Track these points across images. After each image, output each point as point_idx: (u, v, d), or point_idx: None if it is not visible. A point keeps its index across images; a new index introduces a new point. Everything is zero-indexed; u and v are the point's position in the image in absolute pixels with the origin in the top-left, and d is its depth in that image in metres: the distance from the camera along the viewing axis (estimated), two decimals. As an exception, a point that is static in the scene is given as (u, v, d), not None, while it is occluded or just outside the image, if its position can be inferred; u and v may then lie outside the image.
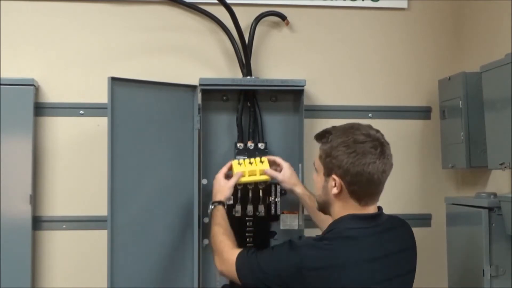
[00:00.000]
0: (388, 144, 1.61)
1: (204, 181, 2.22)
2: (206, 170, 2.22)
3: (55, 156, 2.26)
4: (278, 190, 2.19)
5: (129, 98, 2.02)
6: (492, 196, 1.94)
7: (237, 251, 1.71)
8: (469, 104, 2.10)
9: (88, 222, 2.25)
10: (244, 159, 2.10)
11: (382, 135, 1.61)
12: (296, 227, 2.23)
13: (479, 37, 2.26)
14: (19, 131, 2.17)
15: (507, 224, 1.85)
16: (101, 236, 2.08)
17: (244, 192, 2.19)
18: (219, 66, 2.34)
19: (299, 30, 2.39)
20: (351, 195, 1.59)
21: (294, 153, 2.23)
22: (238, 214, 2.17)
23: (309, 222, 2.19)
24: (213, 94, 2.25)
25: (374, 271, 1.56)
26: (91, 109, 2.26)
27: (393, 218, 1.67)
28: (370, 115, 2.38)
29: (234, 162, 2.08)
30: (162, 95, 2.13)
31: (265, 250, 1.66)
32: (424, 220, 2.40)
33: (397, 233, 1.64)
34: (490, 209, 1.90)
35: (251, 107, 2.26)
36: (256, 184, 2.19)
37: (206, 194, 2.21)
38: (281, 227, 2.23)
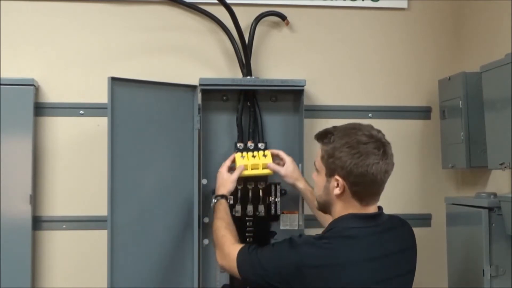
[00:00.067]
0: (389, 144, 1.61)
1: (204, 181, 2.22)
2: (206, 170, 2.22)
3: (55, 156, 2.26)
4: (278, 190, 2.20)
5: (129, 98, 2.02)
6: (492, 196, 1.94)
7: (238, 246, 1.72)
8: (469, 104, 2.10)
9: (88, 222, 2.25)
10: (247, 152, 2.10)
11: (383, 135, 1.62)
12: (296, 227, 2.23)
13: (479, 37, 2.26)
14: (19, 131, 2.17)
15: (507, 224, 1.85)
16: (101, 236, 2.08)
17: (244, 192, 2.19)
18: (219, 66, 2.34)
19: (299, 30, 2.39)
20: (353, 196, 1.59)
21: (294, 153, 2.23)
22: (238, 214, 2.16)
23: (309, 222, 2.20)
24: (213, 94, 2.25)
25: (373, 270, 1.56)
26: (91, 109, 2.26)
27: (394, 218, 1.67)
28: (370, 115, 2.38)
29: (237, 155, 2.09)
30: (162, 95, 2.13)
31: (265, 247, 1.67)
32: (424, 220, 2.40)
33: (397, 233, 1.64)
34: (490, 209, 1.90)
35: (251, 107, 2.26)
36: (256, 184, 2.19)
37: (206, 194, 2.21)
38: (281, 227, 2.24)
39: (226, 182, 2.02)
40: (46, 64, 2.27)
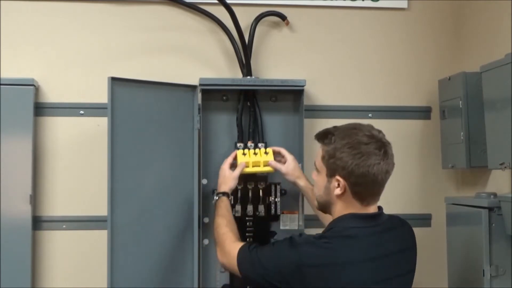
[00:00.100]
0: (389, 144, 1.61)
1: (204, 181, 2.22)
2: (206, 170, 2.22)
3: (55, 156, 2.26)
4: (278, 190, 2.20)
5: (129, 98, 2.02)
6: (492, 196, 1.94)
7: (239, 244, 1.72)
8: (469, 104, 2.10)
9: (88, 222, 2.25)
10: (249, 149, 2.10)
11: (384, 135, 1.62)
12: (296, 227, 2.23)
13: (479, 37, 2.26)
14: (19, 131, 2.17)
15: (507, 224, 1.85)
16: (101, 236, 2.08)
17: (244, 192, 2.19)
18: (219, 66, 2.34)
19: (299, 30, 2.39)
20: (353, 196, 1.59)
21: (294, 153, 2.22)
22: (238, 214, 2.16)
23: (309, 222, 2.20)
24: (213, 94, 2.25)
25: (373, 270, 1.56)
26: (91, 109, 2.26)
27: (394, 218, 1.67)
28: (370, 115, 2.38)
29: (239, 152, 2.09)
30: (162, 95, 2.13)
31: (266, 246, 1.67)
32: (424, 220, 2.40)
33: (397, 233, 1.64)
34: (490, 209, 1.90)
35: (251, 107, 2.26)
36: (256, 184, 2.19)
37: (206, 194, 2.21)
38: (281, 227, 2.24)
39: (227, 179, 2.03)
40: (46, 64, 2.27)
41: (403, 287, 1.62)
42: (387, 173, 1.59)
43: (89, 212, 2.25)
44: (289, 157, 2.09)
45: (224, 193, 1.99)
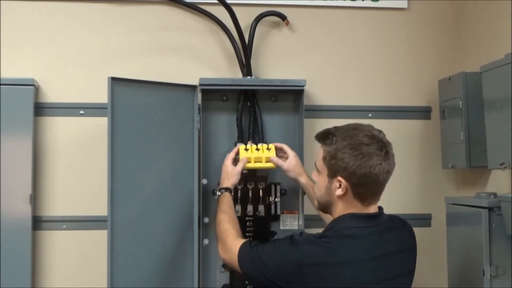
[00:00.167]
0: (390, 144, 1.61)
1: (204, 181, 2.22)
2: (206, 170, 2.22)
3: (55, 156, 2.26)
4: (278, 190, 2.20)
5: (129, 98, 2.02)
6: (492, 196, 1.95)
7: (240, 241, 1.72)
8: (469, 104, 2.10)
9: (88, 222, 2.25)
10: (251, 145, 2.10)
11: (384, 135, 1.62)
12: (296, 227, 2.23)
13: (479, 37, 2.26)
14: (19, 131, 2.17)
15: (507, 224, 1.85)
16: (101, 236, 2.08)
17: (244, 192, 2.19)
18: (219, 66, 2.34)
19: (299, 30, 2.39)
20: (355, 196, 1.60)
21: (294, 153, 2.23)
22: (238, 214, 2.15)
23: (309, 222, 2.20)
24: (213, 94, 2.25)
25: (373, 270, 1.56)
26: (91, 109, 2.26)
27: (394, 218, 1.67)
28: (370, 115, 2.38)
29: (241, 147, 2.09)
30: (162, 95, 2.13)
31: (267, 243, 1.67)
32: (424, 220, 2.40)
33: (398, 233, 1.64)
34: (490, 209, 1.90)
35: (251, 107, 2.26)
36: (256, 184, 2.19)
37: (206, 194, 2.21)
38: (281, 227, 2.24)
39: (230, 175, 2.02)
40: (46, 64, 2.27)
41: (403, 287, 1.62)
42: (388, 173, 1.59)
43: (89, 212, 2.25)
44: (291, 153, 2.09)
45: (226, 189, 1.99)
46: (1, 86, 2.14)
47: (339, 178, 1.59)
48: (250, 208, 2.19)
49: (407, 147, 2.39)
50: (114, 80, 1.97)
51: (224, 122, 2.27)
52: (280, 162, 2.07)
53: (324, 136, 1.64)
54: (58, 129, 2.26)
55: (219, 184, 2.07)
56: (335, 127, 1.65)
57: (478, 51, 2.25)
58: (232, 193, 2.00)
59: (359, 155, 1.56)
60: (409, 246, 1.66)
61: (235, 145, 2.21)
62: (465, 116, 2.10)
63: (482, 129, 2.01)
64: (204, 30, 2.34)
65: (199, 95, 2.21)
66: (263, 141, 2.23)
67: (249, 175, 2.17)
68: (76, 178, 2.26)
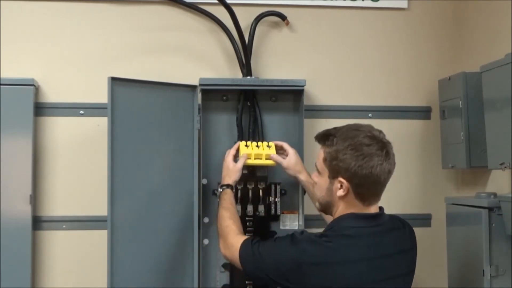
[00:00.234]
0: (390, 144, 1.61)
1: (204, 181, 2.22)
2: (206, 170, 2.22)
3: (55, 156, 2.26)
4: (278, 190, 2.20)
5: (129, 98, 2.02)
6: (492, 196, 1.95)
7: (242, 238, 1.73)
8: (469, 104, 2.10)
9: (88, 222, 2.25)
10: (251, 142, 2.10)
11: (384, 135, 1.62)
12: (296, 227, 2.23)
13: (479, 37, 2.26)
14: (19, 131, 2.17)
15: (507, 224, 1.85)
16: (101, 236, 2.08)
17: (244, 192, 2.19)
18: (219, 66, 2.34)
19: (299, 30, 2.39)
20: (356, 197, 1.60)
21: (294, 153, 2.23)
22: (238, 214, 2.16)
23: (309, 222, 2.20)
24: (213, 94, 2.25)
25: (373, 270, 1.56)
26: (91, 109, 2.26)
27: (394, 219, 1.67)
28: (370, 115, 2.38)
29: (242, 144, 2.09)
30: (162, 95, 2.12)
31: (268, 241, 1.67)
32: (424, 220, 2.40)
33: (398, 234, 1.64)
34: (490, 209, 1.90)
35: (251, 107, 2.26)
36: (256, 184, 2.19)
37: (206, 194, 2.21)
38: (281, 227, 2.24)
39: (231, 172, 2.02)
40: (46, 64, 2.27)
41: (403, 287, 1.62)
42: (389, 173, 1.59)
43: (89, 212, 2.25)
44: (290, 151, 2.08)
45: (228, 185, 1.99)
46: (1, 86, 2.14)
47: (340, 179, 1.59)
48: (250, 208, 2.19)
49: (407, 147, 2.39)
50: (114, 80, 1.97)
51: (224, 122, 2.27)
52: (280, 159, 2.07)
53: (324, 137, 1.64)
54: (58, 129, 2.26)
55: (219, 184, 2.07)
56: (335, 128, 1.65)
57: (478, 51, 2.25)
58: (234, 190, 2.00)
59: (360, 155, 1.56)
60: (409, 246, 1.66)
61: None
62: (465, 116, 2.10)
63: (482, 129, 2.00)
64: (204, 30, 2.34)
65: (199, 95, 2.21)
66: (263, 141, 2.23)
67: (249, 176, 2.17)
68: (76, 178, 2.26)
